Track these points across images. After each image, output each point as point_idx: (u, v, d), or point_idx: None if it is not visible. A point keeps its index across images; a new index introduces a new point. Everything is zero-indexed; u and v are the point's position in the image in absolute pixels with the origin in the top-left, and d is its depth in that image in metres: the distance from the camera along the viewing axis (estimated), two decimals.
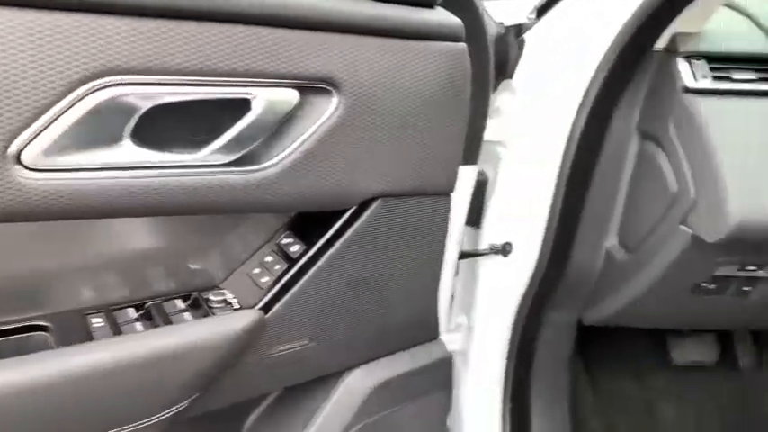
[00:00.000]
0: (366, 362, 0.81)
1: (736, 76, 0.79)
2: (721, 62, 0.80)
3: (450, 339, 1.12)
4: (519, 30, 0.94)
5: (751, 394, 1.33)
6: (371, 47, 0.62)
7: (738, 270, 0.83)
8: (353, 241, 0.69)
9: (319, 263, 0.68)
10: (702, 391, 1.32)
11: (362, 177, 0.66)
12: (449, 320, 1.17)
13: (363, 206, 0.69)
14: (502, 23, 0.92)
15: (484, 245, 1.00)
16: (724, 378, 1.34)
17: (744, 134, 0.75)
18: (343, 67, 0.60)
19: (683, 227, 0.79)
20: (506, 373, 1.07)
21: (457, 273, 1.14)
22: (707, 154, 0.74)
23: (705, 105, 0.77)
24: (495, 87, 1.02)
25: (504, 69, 0.98)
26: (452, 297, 1.16)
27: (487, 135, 0.97)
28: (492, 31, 0.84)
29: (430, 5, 0.67)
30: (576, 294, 1.02)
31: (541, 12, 0.90)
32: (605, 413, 1.30)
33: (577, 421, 1.26)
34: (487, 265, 1.02)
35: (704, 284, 0.86)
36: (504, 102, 0.97)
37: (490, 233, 0.99)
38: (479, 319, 1.06)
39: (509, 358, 1.06)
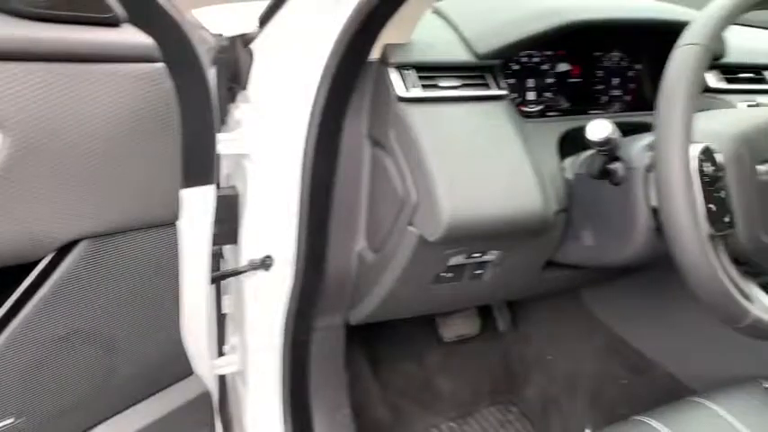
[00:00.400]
0: (107, 418, 0.74)
1: (442, 83, 0.86)
2: (429, 71, 0.86)
3: (228, 362, 1.09)
4: (245, 39, 0.93)
5: (511, 351, 1.51)
6: (42, 74, 0.55)
7: (467, 258, 0.91)
8: (57, 292, 0.61)
9: (12, 324, 0.59)
10: (471, 360, 1.46)
11: (54, 221, 0.58)
12: (226, 342, 1.13)
13: (63, 252, 0.61)
14: (221, 35, 0.89)
15: (245, 261, 0.97)
16: (488, 344, 1.50)
17: (451, 138, 0.82)
18: (4, 100, 0.52)
19: (410, 228, 0.84)
20: (283, 384, 1.07)
21: (225, 293, 1.10)
22: (421, 159, 0.79)
23: (417, 113, 0.82)
24: (233, 99, 0.99)
25: (239, 80, 0.96)
26: (224, 319, 1.12)
27: (231, 148, 0.94)
28: (206, 43, 0.81)
29: (114, 24, 0.61)
30: (338, 298, 1.04)
31: (263, 21, 0.89)
32: (389, 398, 1.37)
33: (364, 412, 1.31)
34: (251, 281, 1.00)
35: (443, 274, 0.93)
36: (244, 113, 0.94)
37: (249, 249, 0.97)
38: (251, 337, 1.04)
39: (284, 370, 1.05)
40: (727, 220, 0.71)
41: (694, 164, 0.69)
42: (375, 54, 0.85)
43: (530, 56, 0.99)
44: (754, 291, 0.74)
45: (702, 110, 1.05)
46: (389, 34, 0.83)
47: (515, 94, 0.99)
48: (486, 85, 0.89)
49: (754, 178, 0.73)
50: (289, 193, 0.90)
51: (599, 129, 0.75)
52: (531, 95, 1.00)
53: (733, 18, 0.69)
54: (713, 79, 1.07)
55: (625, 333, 1.39)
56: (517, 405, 1.42)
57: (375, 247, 0.95)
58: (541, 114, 1.01)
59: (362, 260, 0.98)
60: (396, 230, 0.87)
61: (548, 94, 1.02)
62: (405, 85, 0.83)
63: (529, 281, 1.06)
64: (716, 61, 1.08)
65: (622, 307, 1.39)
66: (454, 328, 1.43)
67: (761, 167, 0.73)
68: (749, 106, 1.06)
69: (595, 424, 1.30)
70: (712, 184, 0.70)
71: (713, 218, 0.70)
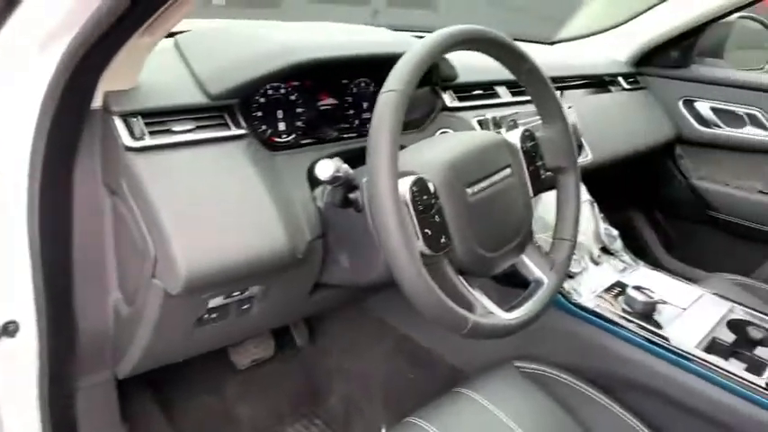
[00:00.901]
0: None
1: (176, 128, 0.84)
2: (160, 116, 0.83)
3: None
4: None
5: (312, 365, 1.54)
6: None
7: (227, 298, 0.91)
8: None
9: None
10: (270, 381, 1.47)
11: None
12: None
13: None
14: None
15: None
16: (287, 362, 1.52)
17: (185, 185, 0.80)
18: None
19: (155, 280, 0.81)
20: None
21: None
22: (152, 210, 0.77)
23: (145, 162, 0.79)
24: None
25: None
26: None
27: None
28: None
29: None
30: (98, 355, 0.98)
31: None
32: None
33: None
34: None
35: (205, 317, 0.92)
36: None
37: None
38: (6, 411, 0.94)
39: None
40: (443, 240, 0.79)
41: (407, 195, 0.76)
42: (97, 102, 0.81)
43: (276, 88, 1.01)
44: (478, 297, 0.84)
45: (441, 128, 1.16)
46: (110, 81, 0.79)
47: (265, 127, 1.00)
48: (225, 126, 0.89)
49: (465, 200, 0.82)
50: (20, 252, 0.82)
51: (324, 168, 0.79)
52: (281, 126, 1.02)
53: (426, 65, 0.76)
54: (448, 99, 1.19)
55: (410, 332, 1.49)
56: (321, 417, 1.46)
57: (129, 300, 0.91)
58: (295, 144, 1.03)
59: (118, 313, 0.93)
60: (142, 283, 0.84)
61: (299, 123, 1.04)
62: (131, 133, 0.80)
63: (300, 305, 1.09)
64: (449, 82, 1.20)
65: (404, 307, 1.49)
66: (247, 354, 1.43)
67: (469, 190, 0.83)
68: (479, 121, 1.20)
69: (389, 422, 1.39)
70: (427, 210, 0.78)
71: (430, 241, 0.77)
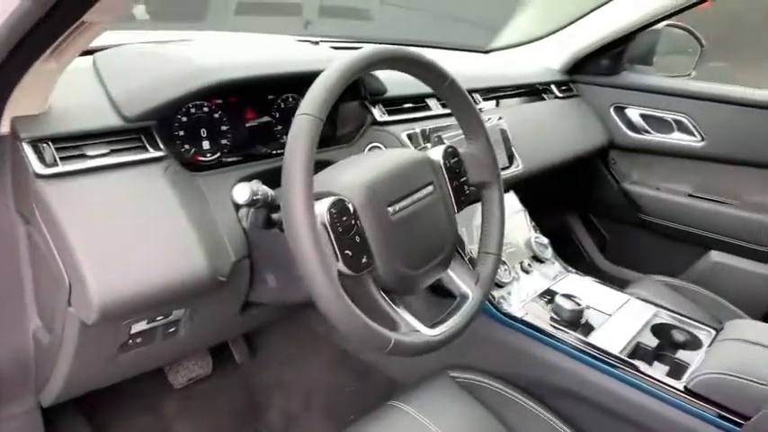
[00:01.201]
0: None
1: (90, 152, 0.82)
2: (73, 141, 0.81)
3: None
4: None
5: (251, 380, 1.53)
6: None
7: (150, 323, 0.89)
8: None
9: None
10: (210, 398, 1.45)
11: None
12: None
13: None
14: None
15: None
16: (226, 378, 1.50)
17: (99, 212, 0.78)
18: None
19: (70, 309, 0.79)
20: None
21: None
22: (65, 239, 0.75)
23: (57, 190, 0.77)
24: None
25: None
26: None
27: None
28: None
29: None
30: (20, 383, 0.96)
31: None
32: None
33: None
34: None
35: (129, 342, 0.90)
36: None
37: None
38: None
39: None
40: (365, 260, 0.80)
41: (326, 217, 0.76)
42: (5, 128, 0.78)
43: (199, 106, 1.00)
44: (402, 315, 0.85)
45: (371, 142, 1.16)
46: (17, 106, 0.77)
47: (188, 147, 0.98)
48: (142, 148, 0.87)
49: (386, 219, 0.83)
50: None
51: (240, 193, 0.79)
52: (206, 145, 1.01)
53: (340, 88, 0.77)
54: (378, 113, 1.20)
55: (347, 345, 1.50)
56: (260, 431, 1.45)
57: (48, 328, 0.88)
58: (220, 164, 1.02)
59: (38, 341, 0.91)
60: (59, 311, 0.82)
61: (225, 142, 1.03)
62: (41, 160, 0.77)
63: (231, 324, 1.08)
64: (378, 97, 1.21)
65: None
66: (184, 373, 1.40)
67: (390, 209, 0.83)
68: (408, 135, 1.21)
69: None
70: (347, 231, 0.78)
71: (351, 261, 0.78)
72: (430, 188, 0.91)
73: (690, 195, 1.86)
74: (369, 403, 1.12)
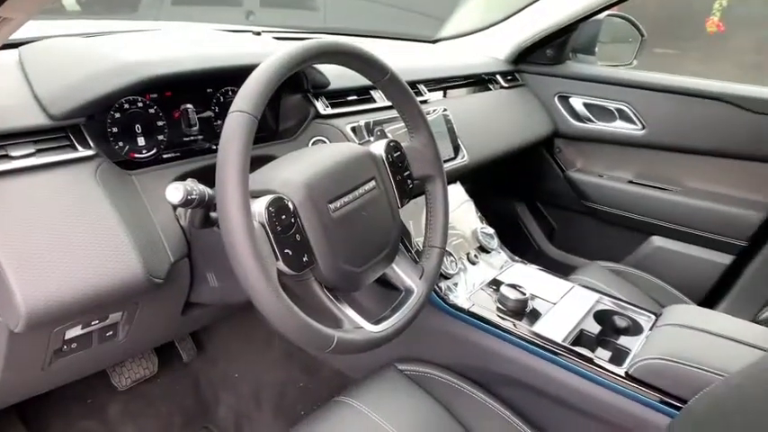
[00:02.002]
0: None
1: (14, 153, 0.78)
2: None
3: None
4: None
5: (199, 377, 1.50)
6: None
7: (85, 328, 0.86)
8: None
9: None
10: (156, 399, 1.41)
11: None
12: None
13: None
14: None
15: None
16: (174, 377, 1.47)
17: (27, 214, 0.75)
18: None
19: None
20: None
21: None
22: None
23: None
24: None
25: None
26: None
27: None
28: None
29: None
30: None
31: None
32: None
33: None
34: None
35: (64, 348, 0.86)
36: None
37: None
38: None
39: None
40: (306, 259, 0.79)
41: (264, 216, 0.75)
42: None
43: (132, 102, 0.96)
44: (346, 312, 0.84)
45: (315, 136, 1.15)
46: None
47: (122, 144, 0.95)
48: (70, 147, 0.83)
49: (327, 216, 0.82)
50: None
51: (173, 193, 0.76)
52: (141, 141, 0.97)
53: (275, 84, 0.75)
54: (321, 106, 1.18)
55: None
56: (210, 429, 1.43)
57: None
58: (157, 160, 0.99)
59: None
60: None
61: (161, 137, 1.00)
62: None
63: (172, 325, 1.05)
64: (321, 89, 1.19)
65: None
66: (128, 375, 1.37)
67: (331, 205, 0.82)
68: (352, 128, 1.20)
69: (281, 428, 1.38)
70: (287, 230, 0.77)
71: (291, 261, 0.77)
72: (372, 183, 0.91)
73: (631, 182, 1.91)
74: (319, 398, 1.11)
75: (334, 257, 0.82)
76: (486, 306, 1.21)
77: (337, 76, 1.21)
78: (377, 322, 0.88)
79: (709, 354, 1.00)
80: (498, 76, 1.85)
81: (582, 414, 1.09)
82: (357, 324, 0.84)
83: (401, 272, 0.96)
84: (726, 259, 1.78)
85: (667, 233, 1.87)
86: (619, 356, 1.11)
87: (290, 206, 0.78)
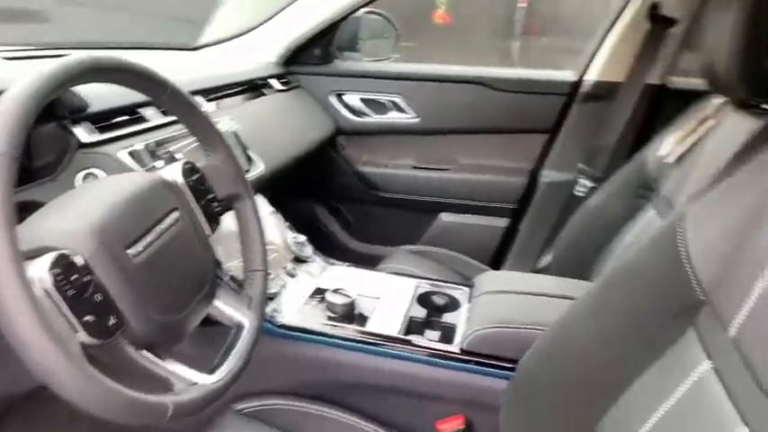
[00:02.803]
0: None
1: None
2: None
3: None
4: None
5: None
6: None
7: None
8: None
9: None
10: None
11: None
12: None
13: None
14: None
15: None
16: None
17: None
18: None
19: None
20: None
21: None
22: None
23: None
24: None
25: None
26: None
27: None
28: None
29: None
30: None
31: None
32: None
33: None
34: None
35: None
36: None
37: None
38: None
39: None
40: (114, 321, 0.64)
41: (48, 281, 0.59)
42: None
43: None
44: (174, 370, 0.72)
45: (83, 170, 0.96)
46: None
47: None
48: None
49: (129, 264, 0.68)
50: None
51: None
52: None
53: (33, 115, 0.59)
54: (84, 134, 0.99)
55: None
56: None
57: None
58: None
59: None
60: None
61: None
62: None
63: None
64: (81, 114, 1.00)
65: None
66: None
67: (130, 251, 0.69)
68: (130, 153, 1.03)
69: None
70: (82, 292, 0.62)
71: (96, 328, 0.62)
72: (175, 215, 0.78)
73: (415, 167, 2.02)
74: None
75: (147, 311, 0.69)
76: (316, 318, 1.15)
77: (96, 96, 1.03)
78: (211, 371, 0.77)
79: (529, 312, 1.08)
80: (272, 80, 1.79)
81: (431, 400, 1.10)
82: (190, 381, 0.72)
83: (226, 307, 0.85)
84: (502, 222, 1.99)
85: (452, 208, 2.01)
86: (448, 334, 1.15)
87: (80, 262, 0.63)
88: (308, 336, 1.12)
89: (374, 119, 1.97)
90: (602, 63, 1.77)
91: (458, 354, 1.08)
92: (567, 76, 1.85)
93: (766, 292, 0.64)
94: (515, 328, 1.05)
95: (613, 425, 0.83)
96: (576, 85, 1.82)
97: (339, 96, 1.97)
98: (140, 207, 0.74)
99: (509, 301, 1.14)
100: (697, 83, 1.59)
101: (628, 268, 0.88)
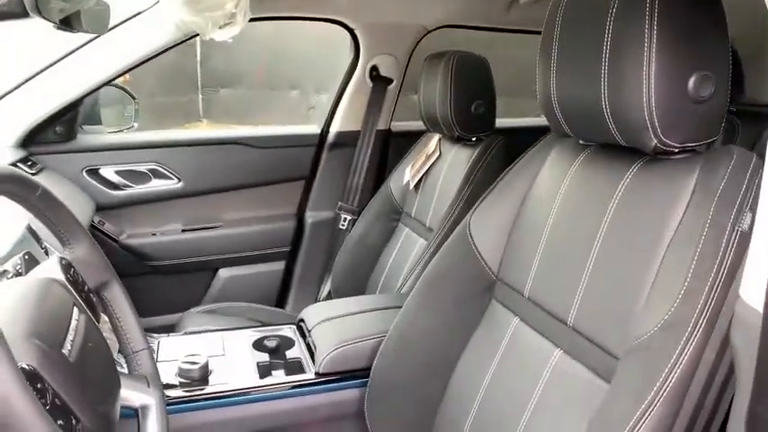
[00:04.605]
0: None
1: None
2: None
3: None
4: None
5: None
6: None
7: None
8: None
9: None
10: None
11: None
12: None
13: None
14: None
15: None
16: None
17: None
18: None
19: None
20: None
21: None
22: None
23: None
24: None
25: None
26: None
27: None
28: None
29: None
30: None
31: None
32: None
33: None
34: None
35: None
36: None
37: None
38: None
39: None
40: (74, 421, 0.65)
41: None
42: None
43: None
44: None
45: None
46: None
47: None
48: None
49: (67, 363, 0.68)
50: None
51: None
52: None
53: None
54: None
55: None
56: None
57: None
58: None
59: None
60: None
61: None
62: None
63: None
64: None
65: None
66: None
67: (64, 351, 0.69)
68: None
69: None
70: (45, 399, 0.62)
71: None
72: (76, 311, 0.78)
73: (184, 230, 2.05)
74: None
75: (91, 404, 0.70)
76: (172, 390, 1.17)
77: None
78: None
79: (364, 327, 1.29)
80: (19, 164, 1.64)
81: (304, 426, 1.22)
82: None
83: (131, 390, 0.86)
84: (280, 265, 2.16)
85: (229, 263, 2.11)
86: (295, 367, 1.28)
87: (30, 370, 0.62)
88: (177, 406, 1.14)
89: (136, 189, 1.95)
90: (340, 116, 2.11)
91: (315, 378, 1.24)
92: (314, 129, 2.14)
93: (545, 255, 0.98)
94: (359, 341, 1.25)
95: (458, 389, 1.10)
96: (323, 135, 2.12)
97: (93, 172, 1.89)
98: (52, 309, 0.73)
99: (344, 324, 1.34)
100: (414, 125, 2.06)
101: (437, 269, 1.18)
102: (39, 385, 0.62)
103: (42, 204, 0.82)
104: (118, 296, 0.94)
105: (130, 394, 0.87)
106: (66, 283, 0.82)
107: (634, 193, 0.87)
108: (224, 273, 2.11)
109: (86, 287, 0.88)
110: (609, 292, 0.85)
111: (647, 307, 0.77)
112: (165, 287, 2.07)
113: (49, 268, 0.82)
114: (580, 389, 0.85)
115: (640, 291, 0.80)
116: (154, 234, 2.02)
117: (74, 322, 0.75)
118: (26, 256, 0.98)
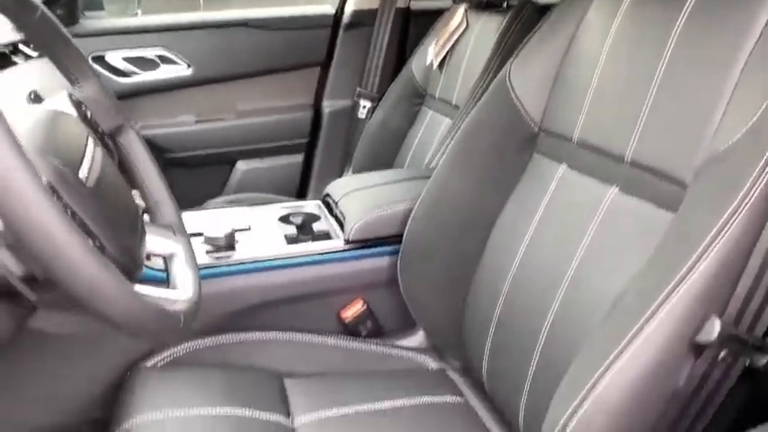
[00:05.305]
0: None
1: None
2: None
3: None
4: None
5: None
6: None
7: None
8: None
9: None
10: None
11: None
12: None
13: None
14: None
15: None
16: None
17: None
18: None
19: None
20: None
21: None
22: None
23: None
24: None
25: None
26: None
27: None
28: None
29: None
30: None
31: None
32: None
33: None
34: None
35: None
36: None
37: None
38: None
39: None
40: (97, 245, 0.60)
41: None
42: None
43: None
44: (152, 291, 0.69)
45: None
46: None
47: None
48: None
49: (84, 187, 0.63)
50: None
51: None
52: None
53: None
54: None
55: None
56: None
57: None
58: None
59: None
60: None
61: None
62: None
63: None
64: None
65: None
66: None
67: (81, 175, 0.63)
68: None
69: None
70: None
71: None
72: (92, 142, 0.72)
73: (198, 121, 1.97)
74: None
75: (113, 230, 0.65)
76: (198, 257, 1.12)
77: None
78: (173, 289, 0.75)
79: (394, 195, 1.23)
80: (21, 46, 1.55)
81: (332, 294, 1.19)
82: (169, 297, 0.70)
83: (158, 237, 0.81)
84: (299, 158, 2.09)
85: (247, 155, 2.04)
86: (327, 237, 1.23)
87: (50, 185, 0.57)
88: (203, 272, 1.10)
89: (144, 76, 1.85)
90: None
91: (344, 246, 1.19)
92: (328, 9, 2.00)
93: (597, 94, 0.90)
94: (387, 209, 1.19)
95: (497, 246, 1.05)
96: (337, 16, 1.99)
97: (99, 59, 1.79)
98: (66, 132, 0.67)
99: (372, 193, 1.28)
100: (434, 3, 1.92)
101: (472, 127, 1.10)
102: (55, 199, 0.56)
103: (43, 29, 0.74)
104: (134, 142, 0.87)
105: (156, 242, 0.82)
106: (79, 119, 0.76)
107: (703, 10, 0.77)
108: (242, 165, 2.04)
109: (100, 128, 0.81)
110: (675, 117, 0.77)
111: (723, 123, 0.69)
112: (182, 181, 2.00)
113: (57, 102, 0.75)
114: (640, 224, 0.79)
115: (714, 109, 0.71)
116: (167, 126, 1.94)
117: (89, 150, 0.69)
118: (32, 95, 0.91)
